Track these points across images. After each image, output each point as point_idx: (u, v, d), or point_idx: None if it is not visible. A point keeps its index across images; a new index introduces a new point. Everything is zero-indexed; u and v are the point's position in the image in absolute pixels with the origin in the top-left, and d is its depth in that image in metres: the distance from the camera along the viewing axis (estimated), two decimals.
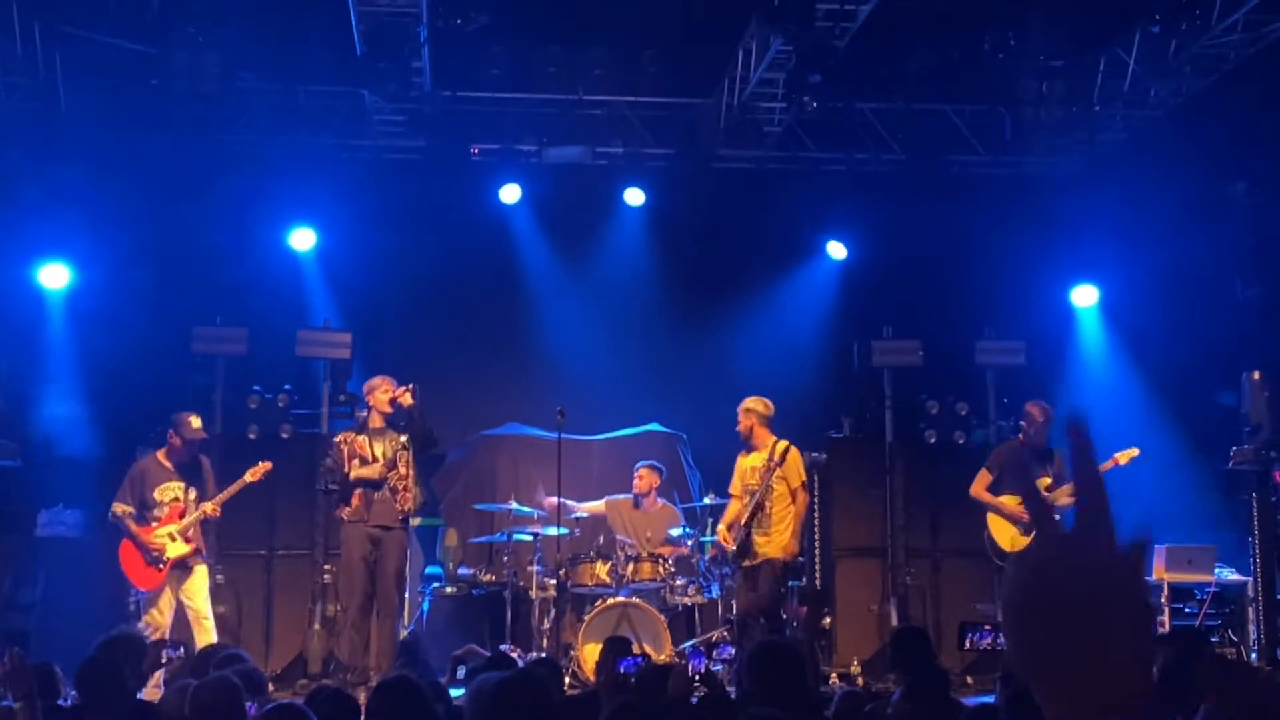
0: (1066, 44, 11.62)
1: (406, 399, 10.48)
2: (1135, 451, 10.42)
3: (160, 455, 10.60)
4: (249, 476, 10.65)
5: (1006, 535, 10.37)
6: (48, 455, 11.86)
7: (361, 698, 7.23)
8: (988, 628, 4.75)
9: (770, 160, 13.45)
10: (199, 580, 10.43)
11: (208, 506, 10.43)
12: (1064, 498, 10.33)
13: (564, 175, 13.21)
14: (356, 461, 10.43)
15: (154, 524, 10.38)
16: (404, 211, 13.04)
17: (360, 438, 10.54)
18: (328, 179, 12.86)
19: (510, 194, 13.36)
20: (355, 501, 10.35)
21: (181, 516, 10.40)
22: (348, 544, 10.36)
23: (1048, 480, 10.44)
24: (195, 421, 10.59)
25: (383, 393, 10.52)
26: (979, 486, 10.68)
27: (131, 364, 12.33)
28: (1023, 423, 10.64)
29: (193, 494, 10.52)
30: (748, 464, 10.54)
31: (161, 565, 10.31)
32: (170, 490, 10.49)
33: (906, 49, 11.88)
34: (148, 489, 10.46)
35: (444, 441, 12.99)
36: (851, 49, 11.06)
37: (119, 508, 10.39)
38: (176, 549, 10.35)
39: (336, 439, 10.72)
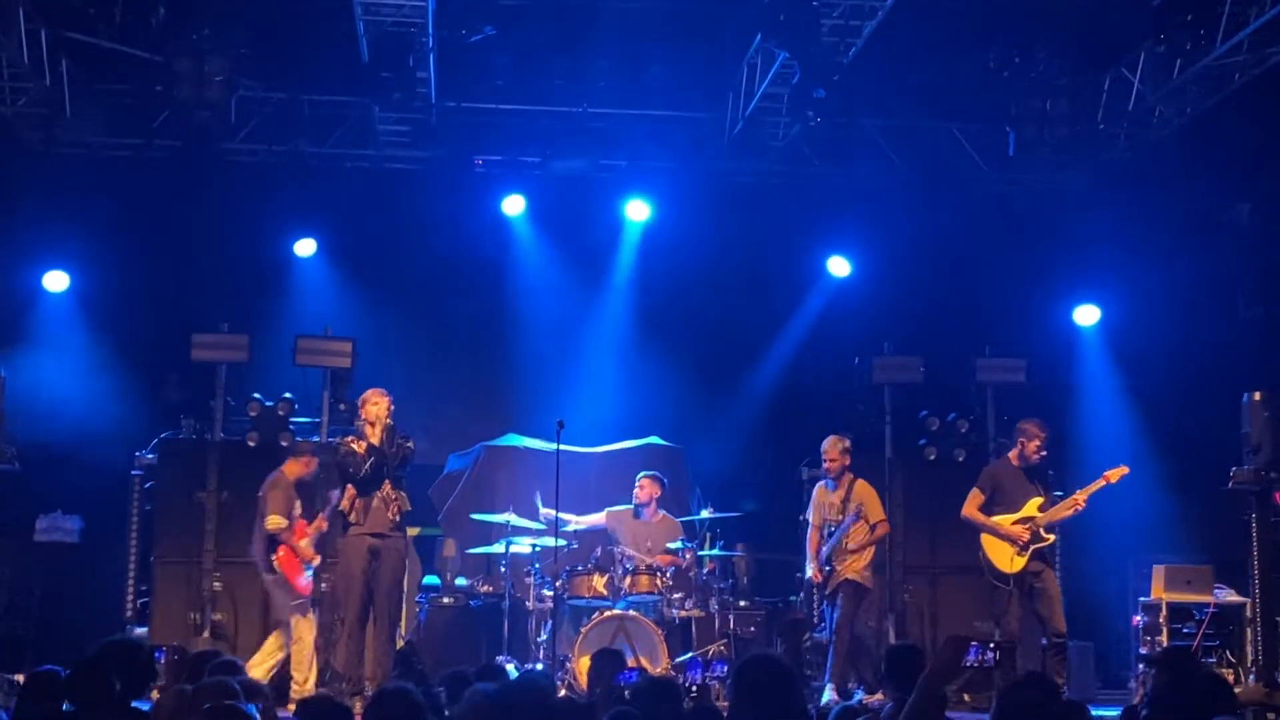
0: (1071, 62, 11.62)
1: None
2: (1124, 470, 10.26)
3: (290, 475, 10.79)
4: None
5: (1005, 556, 10.20)
6: (47, 460, 11.84)
7: (357, 707, 7.21)
8: (976, 643, 4.72)
9: (774, 174, 13.46)
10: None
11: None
12: (1059, 515, 10.28)
13: (567, 186, 13.22)
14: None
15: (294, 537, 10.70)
16: (407, 221, 13.04)
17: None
18: (331, 188, 12.87)
19: (513, 205, 13.37)
20: (353, 498, 10.13)
21: (304, 534, 10.75)
22: (346, 555, 10.26)
23: (1040, 499, 10.31)
24: None
25: (373, 405, 10.28)
26: (971, 507, 10.44)
27: (132, 370, 12.33)
28: (1020, 439, 10.49)
29: None
30: (828, 499, 10.86)
31: (311, 574, 10.73)
32: (297, 507, 10.78)
33: (911, 65, 11.89)
34: (293, 505, 10.72)
35: (443, 451, 13.01)
36: (856, 65, 11.09)
37: (281, 521, 10.54)
38: (313, 560, 10.79)
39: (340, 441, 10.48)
